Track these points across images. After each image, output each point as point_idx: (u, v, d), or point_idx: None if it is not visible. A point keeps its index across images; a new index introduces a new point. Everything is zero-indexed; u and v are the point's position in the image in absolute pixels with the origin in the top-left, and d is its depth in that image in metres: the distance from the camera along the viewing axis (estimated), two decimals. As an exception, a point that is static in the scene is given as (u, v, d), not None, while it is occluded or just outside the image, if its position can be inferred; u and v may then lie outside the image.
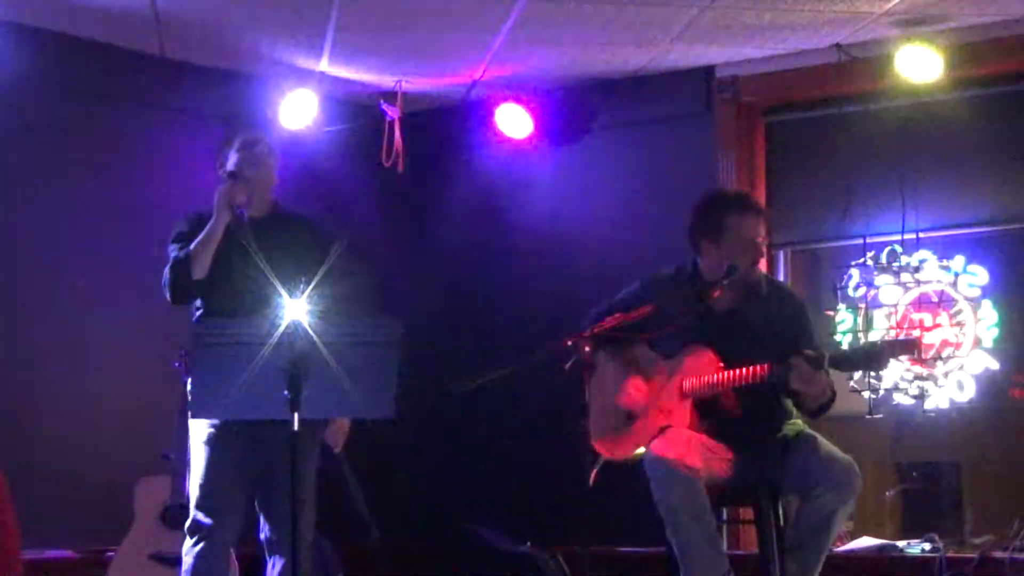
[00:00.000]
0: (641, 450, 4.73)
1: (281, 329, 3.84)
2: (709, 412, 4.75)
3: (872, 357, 4.54)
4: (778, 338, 4.67)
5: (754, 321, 4.78)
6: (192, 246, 4.56)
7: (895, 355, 4.59)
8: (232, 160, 4.70)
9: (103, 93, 6.41)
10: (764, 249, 4.86)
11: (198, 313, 4.69)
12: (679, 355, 4.83)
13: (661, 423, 4.78)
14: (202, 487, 4.56)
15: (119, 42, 6.38)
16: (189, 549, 4.56)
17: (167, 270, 4.59)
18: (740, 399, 4.70)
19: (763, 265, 5.15)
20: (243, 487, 4.64)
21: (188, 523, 4.58)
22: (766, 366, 4.52)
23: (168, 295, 4.61)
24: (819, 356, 4.50)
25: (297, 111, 6.81)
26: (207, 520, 4.53)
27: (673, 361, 4.85)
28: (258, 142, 4.76)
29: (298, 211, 4.88)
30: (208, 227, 4.56)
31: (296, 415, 3.89)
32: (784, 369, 4.48)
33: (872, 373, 6.11)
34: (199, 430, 4.59)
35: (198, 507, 4.55)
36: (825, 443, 4.71)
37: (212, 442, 4.56)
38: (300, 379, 3.85)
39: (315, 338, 3.86)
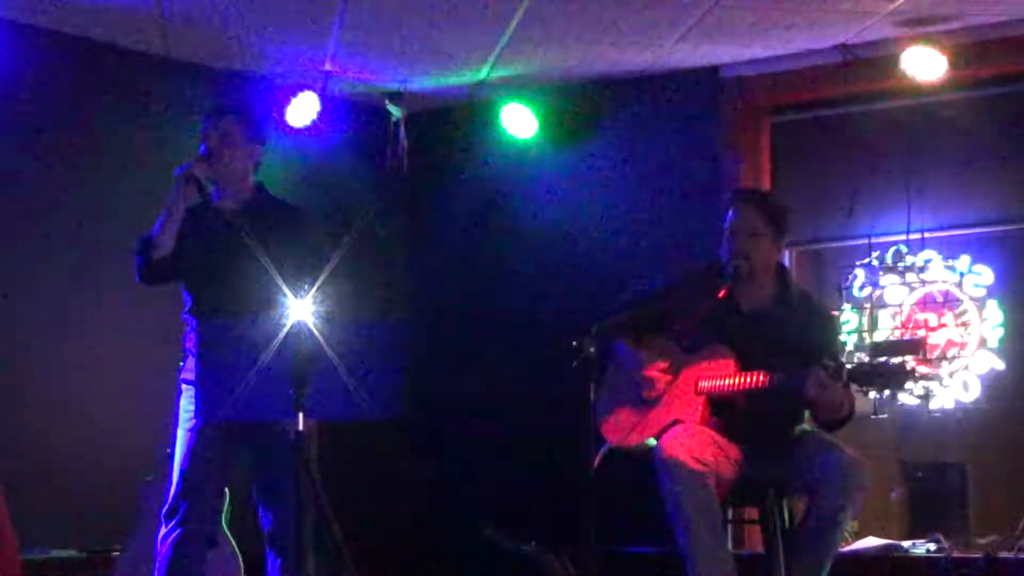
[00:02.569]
0: (651, 441, 4.73)
1: (286, 329, 3.84)
2: (721, 410, 4.74)
3: (891, 377, 4.50)
4: (801, 347, 4.64)
5: (779, 326, 4.76)
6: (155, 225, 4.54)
7: (913, 378, 4.55)
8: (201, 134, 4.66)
9: (108, 93, 6.41)
10: (745, 244, 4.80)
11: (189, 314, 4.67)
12: (698, 351, 4.82)
13: (673, 416, 4.78)
14: (183, 473, 4.51)
15: (124, 42, 6.38)
16: (164, 536, 4.48)
17: (132, 251, 4.57)
18: (753, 401, 4.69)
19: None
20: (226, 480, 4.63)
21: (165, 508, 4.51)
22: (783, 376, 4.53)
23: (136, 276, 4.59)
24: (838, 367, 4.49)
25: (302, 111, 6.81)
26: (185, 505, 4.47)
27: (692, 356, 4.84)
28: (223, 116, 4.68)
29: (281, 199, 4.79)
30: (166, 203, 4.52)
31: (301, 415, 3.89)
32: (800, 377, 4.48)
33: (889, 392, 6.06)
34: (185, 420, 4.56)
35: (177, 493, 4.49)
36: (832, 440, 4.71)
37: (197, 430, 4.52)
38: (305, 379, 3.85)
39: (320, 338, 3.85)
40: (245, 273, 4.41)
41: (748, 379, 4.65)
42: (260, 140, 4.73)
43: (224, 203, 4.64)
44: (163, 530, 4.51)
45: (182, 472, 4.52)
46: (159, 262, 4.52)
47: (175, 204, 4.51)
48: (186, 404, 4.58)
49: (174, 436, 4.63)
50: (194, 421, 4.53)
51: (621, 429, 4.90)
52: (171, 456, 4.63)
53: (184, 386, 4.61)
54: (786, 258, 6.79)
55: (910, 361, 4.53)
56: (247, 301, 4.38)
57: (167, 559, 4.47)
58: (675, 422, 4.75)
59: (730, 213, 4.87)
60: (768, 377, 4.59)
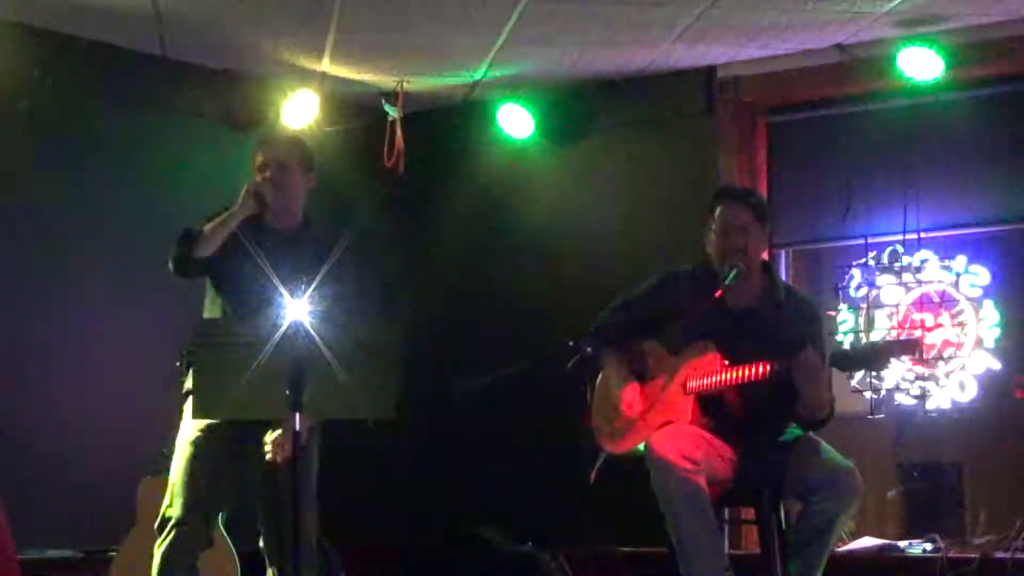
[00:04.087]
0: (643, 446, 4.73)
1: (283, 329, 3.85)
2: (712, 409, 4.75)
3: (874, 356, 4.55)
4: (789, 343, 4.64)
5: (767, 324, 4.75)
6: (207, 225, 4.56)
7: (896, 355, 4.58)
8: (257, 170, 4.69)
9: (105, 94, 6.41)
10: (742, 239, 4.79)
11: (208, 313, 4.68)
12: (686, 351, 4.83)
13: (664, 418, 4.78)
14: (176, 485, 4.50)
15: (121, 42, 6.38)
16: (157, 546, 4.50)
17: (175, 240, 4.58)
18: (743, 398, 4.69)
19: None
20: (223, 490, 4.62)
21: (157, 521, 4.52)
22: (769, 364, 4.52)
23: (170, 264, 4.59)
24: (821, 356, 4.50)
25: (298, 111, 6.82)
26: (175, 516, 4.47)
27: (679, 357, 4.83)
28: (280, 143, 4.76)
29: (323, 236, 4.79)
30: (227, 213, 4.55)
31: (297, 415, 3.90)
32: (788, 363, 4.48)
33: (874, 373, 6.10)
34: (186, 429, 4.56)
35: (169, 504, 4.50)
36: (826, 448, 4.70)
37: (196, 443, 4.51)
38: (301, 379, 3.86)
39: (316, 339, 3.86)
40: (267, 292, 4.43)
41: (732, 373, 4.64)
42: (312, 169, 4.78)
43: (272, 224, 4.66)
44: (156, 541, 4.52)
45: (175, 484, 4.51)
46: (199, 260, 4.54)
47: (235, 215, 4.54)
48: (186, 421, 4.58)
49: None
50: (195, 435, 4.52)
51: (616, 436, 4.90)
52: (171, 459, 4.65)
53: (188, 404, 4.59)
54: (782, 258, 6.82)
55: (891, 340, 4.55)
56: (267, 308, 4.39)
57: (159, 565, 4.48)
58: (666, 423, 4.76)
59: (718, 212, 4.85)
60: (754, 371, 4.57)
